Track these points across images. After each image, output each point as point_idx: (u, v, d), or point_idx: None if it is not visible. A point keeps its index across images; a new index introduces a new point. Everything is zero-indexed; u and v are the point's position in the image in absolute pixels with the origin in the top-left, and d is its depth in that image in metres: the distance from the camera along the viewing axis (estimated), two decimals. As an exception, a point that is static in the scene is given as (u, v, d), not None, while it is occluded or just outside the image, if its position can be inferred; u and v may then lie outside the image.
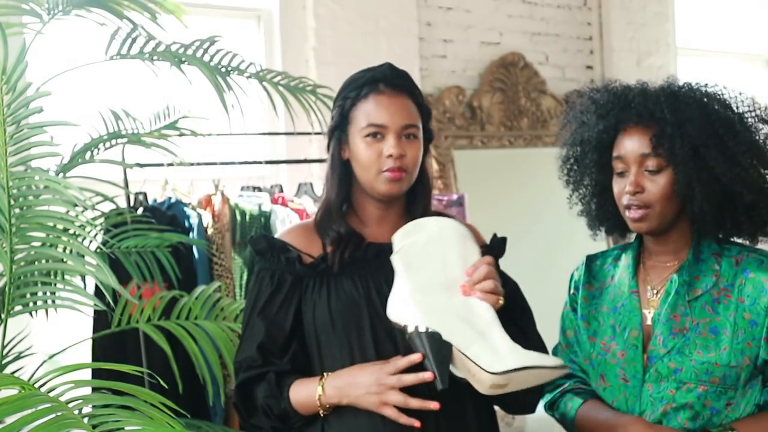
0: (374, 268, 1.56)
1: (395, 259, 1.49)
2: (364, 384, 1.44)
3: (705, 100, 1.54)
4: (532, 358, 1.35)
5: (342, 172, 1.60)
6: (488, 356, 1.34)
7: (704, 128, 1.49)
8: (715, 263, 1.55)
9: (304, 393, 1.50)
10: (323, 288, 1.55)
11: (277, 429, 1.53)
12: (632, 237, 1.71)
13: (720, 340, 1.49)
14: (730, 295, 1.51)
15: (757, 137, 1.55)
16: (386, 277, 1.53)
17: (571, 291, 1.74)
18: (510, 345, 1.36)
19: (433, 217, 1.56)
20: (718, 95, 1.56)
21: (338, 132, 1.60)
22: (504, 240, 1.68)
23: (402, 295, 1.44)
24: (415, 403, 1.41)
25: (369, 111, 1.55)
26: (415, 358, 1.39)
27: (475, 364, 1.34)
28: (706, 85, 1.57)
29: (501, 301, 1.44)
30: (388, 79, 1.57)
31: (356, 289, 1.54)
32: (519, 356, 1.34)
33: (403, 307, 1.42)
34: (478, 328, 1.38)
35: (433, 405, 1.41)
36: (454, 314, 1.39)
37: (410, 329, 1.39)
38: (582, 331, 1.68)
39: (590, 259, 1.74)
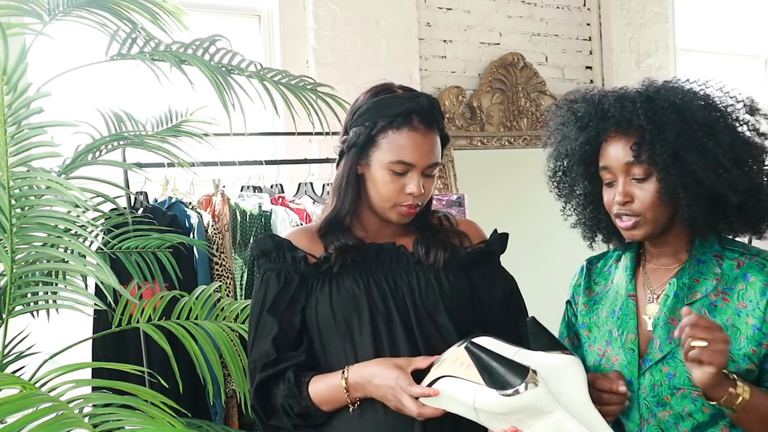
0: (374, 266, 1.60)
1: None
2: (382, 389, 1.46)
3: (682, 101, 1.47)
4: None
5: (355, 187, 1.60)
6: None
7: (683, 132, 1.44)
8: (716, 266, 1.49)
9: (326, 388, 1.51)
10: (325, 286, 1.58)
11: (298, 426, 1.55)
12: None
13: None
14: (728, 299, 1.46)
15: (742, 132, 1.49)
16: (385, 273, 1.59)
17: (567, 299, 1.70)
18: None
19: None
20: (698, 93, 1.50)
21: (358, 149, 1.58)
22: (505, 236, 1.70)
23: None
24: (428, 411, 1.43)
25: (401, 146, 1.54)
26: (432, 392, 1.40)
27: None
28: (684, 84, 1.51)
29: None
30: (424, 114, 1.56)
31: (357, 285, 1.57)
32: None
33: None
34: None
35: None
36: None
37: None
38: (584, 340, 1.63)
39: (590, 263, 1.70)
